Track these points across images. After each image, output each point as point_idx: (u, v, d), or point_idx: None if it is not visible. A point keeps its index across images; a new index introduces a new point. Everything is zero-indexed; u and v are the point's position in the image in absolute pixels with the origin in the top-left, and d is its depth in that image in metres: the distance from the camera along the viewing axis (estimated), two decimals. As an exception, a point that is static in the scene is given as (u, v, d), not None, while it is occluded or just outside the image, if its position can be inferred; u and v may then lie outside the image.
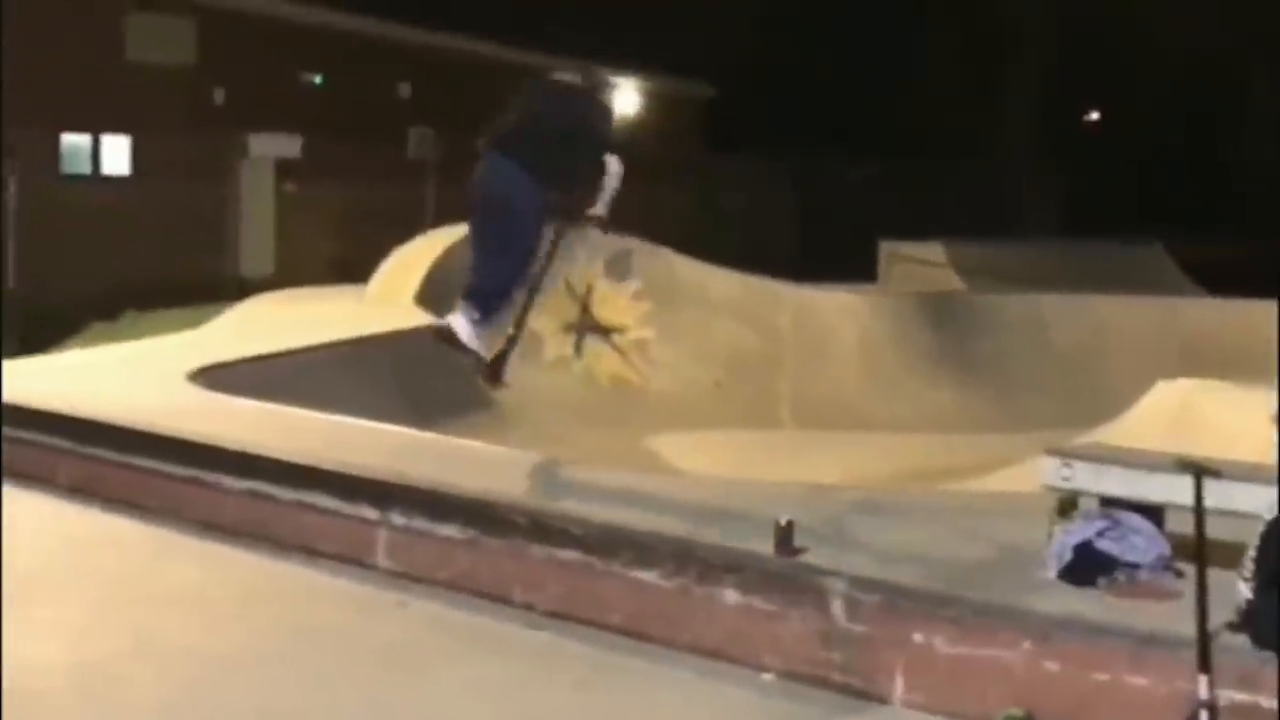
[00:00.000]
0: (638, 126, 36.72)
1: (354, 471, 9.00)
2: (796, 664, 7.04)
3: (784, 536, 7.24)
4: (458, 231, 19.56)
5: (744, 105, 39.46)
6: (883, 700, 6.76)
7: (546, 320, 18.64)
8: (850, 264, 24.17)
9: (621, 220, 21.00)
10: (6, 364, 13.76)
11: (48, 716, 6.64)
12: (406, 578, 8.49)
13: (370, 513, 8.76)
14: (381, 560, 8.66)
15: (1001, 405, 18.27)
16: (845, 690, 6.85)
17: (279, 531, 9.09)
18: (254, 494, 9.31)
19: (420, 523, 8.56)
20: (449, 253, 18.88)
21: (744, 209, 34.54)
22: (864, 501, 8.81)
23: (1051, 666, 6.38)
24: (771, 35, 40.26)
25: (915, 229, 26.30)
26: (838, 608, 6.95)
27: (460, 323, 9.39)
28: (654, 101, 37.44)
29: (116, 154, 27.60)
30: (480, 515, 8.33)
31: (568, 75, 9.92)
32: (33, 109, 24.45)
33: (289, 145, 29.27)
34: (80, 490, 10.21)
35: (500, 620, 7.92)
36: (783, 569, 7.17)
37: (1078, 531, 6.92)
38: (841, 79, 40.53)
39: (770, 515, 7.35)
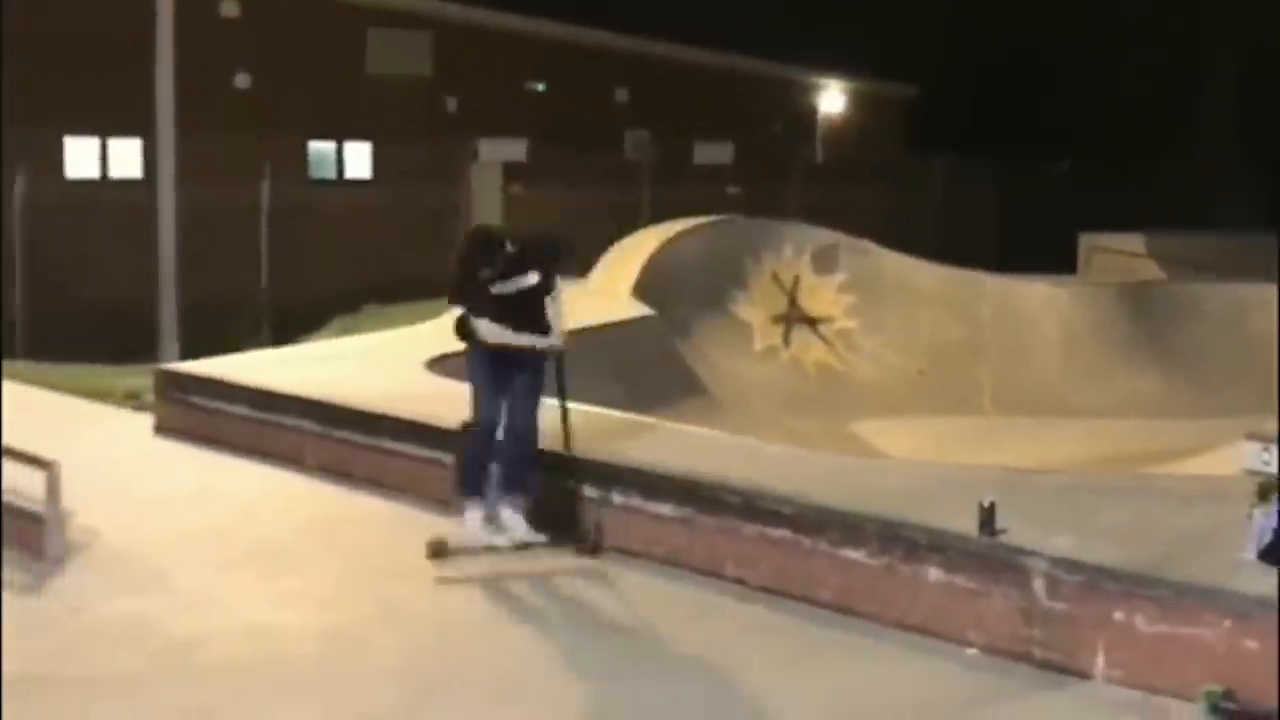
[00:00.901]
0: (842, 127, 36.57)
1: (576, 453, 9.07)
2: (999, 640, 6.96)
3: (987, 517, 7.14)
4: (674, 228, 19.72)
5: (945, 104, 38.94)
6: (1083, 675, 6.64)
7: (755, 311, 18.67)
8: (1050, 257, 23.71)
9: (827, 218, 20.94)
10: (260, 354, 14.16)
11: (300, 677, 6.82)
12: (626, 553, 8.55)
13: (591, 492, 8.83)
14: (607, 537, 8.72)
15: (1200, 392, 17.77)
16: (1046, 666, 6.75)
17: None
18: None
19: (637, 501, 8.61)
20: (664, 247, 18.98)
21: (945, 206, 34.08)
22: (1065, 485, 8.65)
23: (1251, 645, 6.21)
24: (971, 35, 39.67)
25: (1114, 223, 25.71)
26: (1039, 586, 6.84)
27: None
28: (857, 101, 37.21)
29: (359, 159, 28.23)
30: (694, 495, 8.35)
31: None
32: (283, 120, 25.14)
33: (515, 149, 29.66)
34: (327, 470, 10.46)
35: (713, 594, 7.94)
36: (985, 548, 7.08)
37: (1278, 514, 6.72)
38: (1040, 77, 39.79)
39: (973, 497, 7.25)
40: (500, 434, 8.78)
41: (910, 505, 7.68)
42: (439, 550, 8.41)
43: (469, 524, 8.68)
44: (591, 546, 8.54)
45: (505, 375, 8.85)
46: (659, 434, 10.10)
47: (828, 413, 16.84)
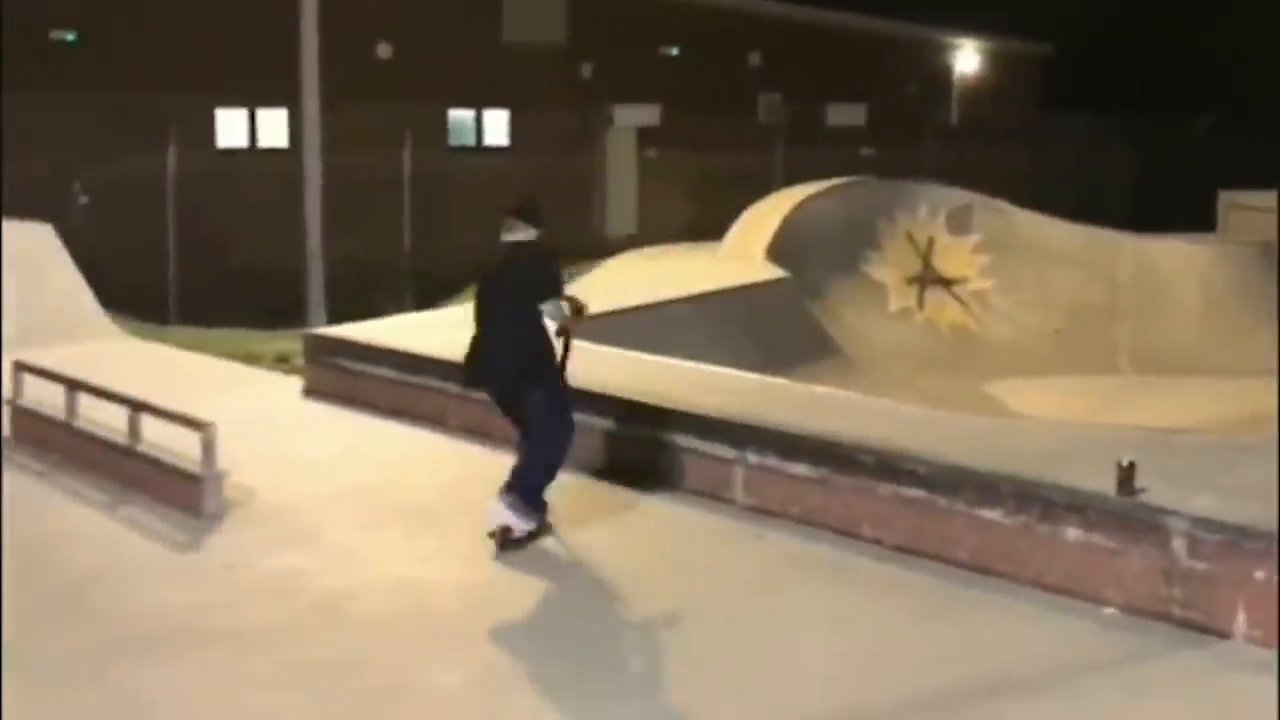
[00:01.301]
0: (977, 87, 36.07)
1: (712, 414, 9.09)
2: (1137, 599, 6.86)
3: (1125, 477, 7.04)
4: (807, 190, 19.63)
5: (1081, 62, 38.26)
6: (1223, 635, 6.53)
7: (890, 273, 18.54)
8: (1188, 216, 23.26)
9: (961, 179, 20.69)
10: (403, 318, 14.31)
11: (442, 629, 6.93)
12: (762, 512, 8.56)
13: (727, 452, 8.84)
14: (739, 496, 8.74)
15: (1342, 351, 17.36)
16: (1185, 625, 6.65)
17: (645, 468, 9.25)
18: (621, 434, 9.48)
19: (774, 461, 8.60)
20: (798, 210, 18.91)
21: (1081, 165, 33.55)
22: (1205, 444, 8.50)
23: (1394, 605, 6.08)
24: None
25: (1255, 180, 25.12)
26: (1179, 546, 6.74)
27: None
28: (992, 61, 36.68)
29: (497, 127, 28.38)
30: (830, 455, 8.32)
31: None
32: (424, 88, 25.33)
33: (649, 115, 29.65)
34: (468, 430, 10.56)
35: (849, 553, 7.92)
36: (1124, 508, 6.98)
37: None
38: (1179, 32, 38.95)
39: (1110, 457, 7.15)
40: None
41: (1047, 465, 7.59)
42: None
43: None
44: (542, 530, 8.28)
45: None
46: (794, 395, 10.07)
47: (962, 373, 16.69)
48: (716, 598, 7.36)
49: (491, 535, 8.13)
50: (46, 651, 6.56)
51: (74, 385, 10.05)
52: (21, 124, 21.58)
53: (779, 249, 17.98)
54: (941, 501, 7.72)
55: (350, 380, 11.91)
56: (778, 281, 17.27)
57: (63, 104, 21.87)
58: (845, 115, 33.46)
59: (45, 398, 10.35)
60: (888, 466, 8.01)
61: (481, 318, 8.47)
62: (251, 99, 24.82)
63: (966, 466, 7.73)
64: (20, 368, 10.68)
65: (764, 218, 18.93)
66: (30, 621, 6.97)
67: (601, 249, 22.28)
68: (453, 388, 10.85)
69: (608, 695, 6.08)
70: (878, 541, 7.96)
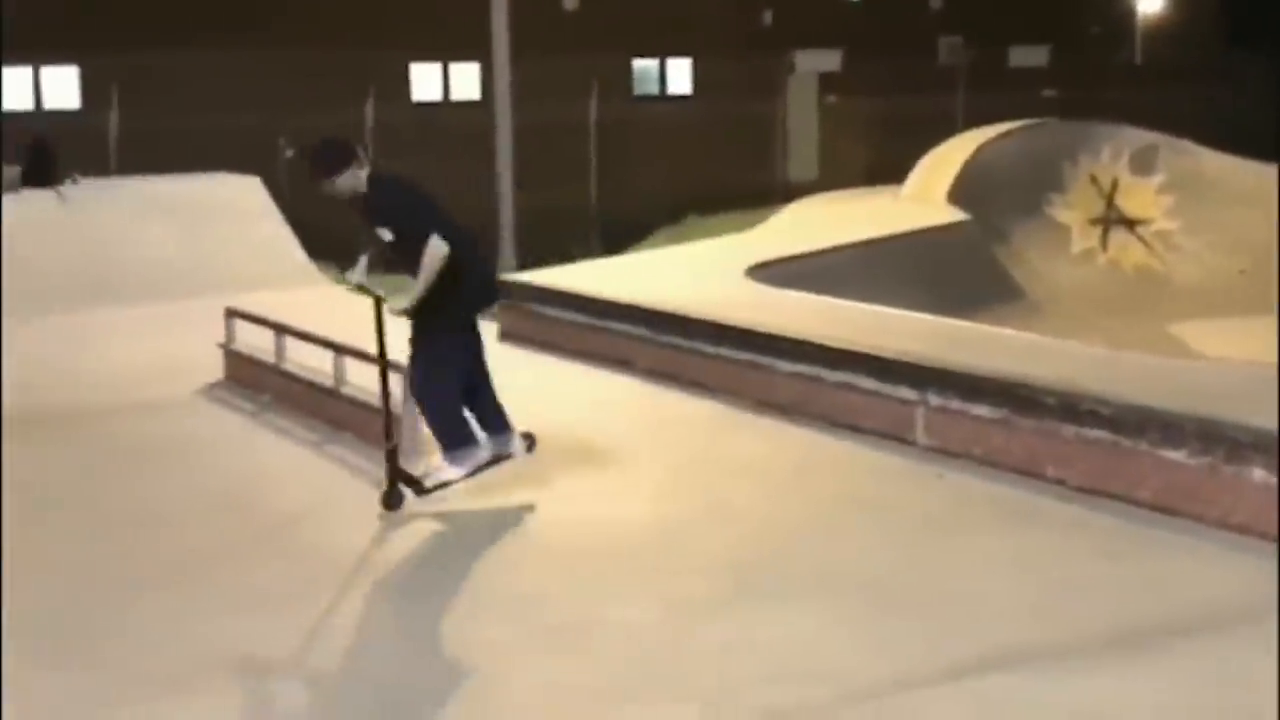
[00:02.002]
0: (1161, 26, 35.01)
1: (893, 356, 9.01)
2: (1325, 540, 6.68)
3: (1312, 417, 6.87)
4: (989, 133, 19.29)
5: (1265, 1, 36.89)
6: None
7: (1073, 214, 18.14)
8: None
9: (1145, 119, 20.10)
10: (591, 263, 14.35)
11: (633, 564, 6.97)
12: (943, 453, 8.48)
13: (909, 393, 8.76)
14: (920, 437, 8.67)
15: None
16: (1377, 567, 6.45)
17: (827, 409, 9.23)
18: (804, 376, 9.45)
19: (955, 403, 8.50)
20: (980, 152, 18.61)
21: (1266, 105, 32.39)
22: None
23: None
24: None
25: None
26: (1368, 488, 6.54)
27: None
28: (1176, 1, 35.55)
29: (680, 75, 28.33)
30: (1012, 396, 8.20)
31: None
32: (609, 39, 25.35)
33: (830, 60, 29.38)
34: (655, 373, 10.61)
35: (1032, 494, 7.81)
36: (1311, 449, 6.78)
37: None
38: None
39: (1297, 397, 6.96)
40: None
41: (1232, 405, 7.39)
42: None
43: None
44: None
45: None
46: (976, 336, 9.94)
47: (1146, 315, 16.28)
48: (899, 537, 7.31)
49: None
50: (255, 582, 6.74)
51: (282, 330, 10.30)
52: (230, 83, 22.14)
53: (961, 192, 17.73)
54: (1126, 442, 7.56)
55: (541, 324, 12.03)
56: (960, 224, 17.03)
57: (269, 63, 22.39)
58: (1027, 57, 32.76)
59: (256, 342, 10.64)
60: (1071, 408, 7.86)
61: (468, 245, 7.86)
62: (444, 54, 25.10)
63: (1151, 407, 7.55)
64: (232, 314, 10.97)
65: (945, 161, 18.66)
66: (244, 553, 7.18)
67: (783, 193, 22.15)
68: (641, 331, 10.92)
69: (796, 627, 6.08)
70: (1061, 482, 7.83)
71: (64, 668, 5.79)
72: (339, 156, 7.73)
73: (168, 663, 5.80)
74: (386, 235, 7.67)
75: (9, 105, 22.42)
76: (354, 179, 7.72)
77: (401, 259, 7.71)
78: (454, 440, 7.92)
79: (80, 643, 6.05)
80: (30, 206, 15.50)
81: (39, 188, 16.28)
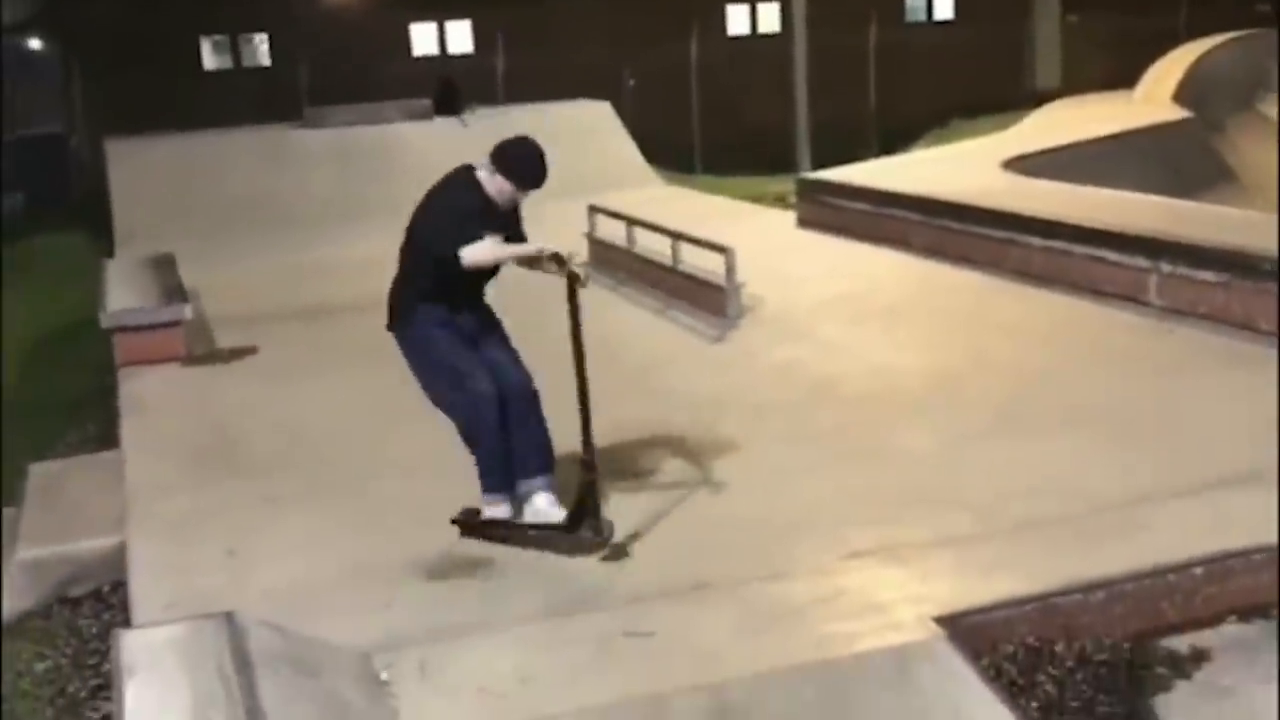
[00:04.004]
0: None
1: (1130, 231, 8.61)
2: None
3: None
4: (1209, 43, 18.18)
5: None
6: None
7: (1284, 109, 16.84)
8: None
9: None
10: (872, 162, 14.09)
11: (911, 405, 6.93)
12: (1172, 312, 8.09)
13: (1144, 262, 8.36)
14: (1153, 298, 8.28)
15: None
16: None
17: (1075, 278, 8.88)
18: (1055, 250, 9.12)
19: (1183, 269, 8.09)
20: (1201, 60, 17.71)
21: None
22: None
23: None
24: None
25: None
26: None
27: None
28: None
29: (943, 3, 27.31)
30: (1232, 262, 7.76)
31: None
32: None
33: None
34: (928, 250, 10.41)
35: (1248, 344, 7.41)
36: None
37: None
38: None
39: None
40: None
41: None
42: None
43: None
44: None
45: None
46: (1199, 213, 9.44)
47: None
48: (1137, 380, 7.06)
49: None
50: (620, 416, 6.95)
51: (631, 221, 10.48)
52: (584, 26, 22.41)
53: (1185, 93, 16.93)
54: (1333, 300, 7.11)
55: (832, 213, 11.92)
56: (1184, 121, 16.24)
57: (613, 9, 22.58)
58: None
59: (611, 231, 10.86)
60: (1283, 272, 7.42)
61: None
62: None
63: (1356, 271, 7.08)
64: (593, 210, 11.22)
65: (1171, 68, 17.83)
66: (605, 397, 7.40)
67: (1032, 100, 21.32)
68: (914, 215, 10.71)
69: (1051, 453, 5.96)
70: (1273, 334, 7.39)
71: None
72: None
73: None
74: None
75: (421, 50, 23.20)
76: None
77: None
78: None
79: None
80: (441, 130, 16.08)
81: (448, 116, 16.88)
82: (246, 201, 14.76)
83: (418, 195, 5.50)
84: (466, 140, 16.03)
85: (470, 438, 5.30)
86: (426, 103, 17.11)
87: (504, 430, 5.21)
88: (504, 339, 5.45)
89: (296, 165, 15.65)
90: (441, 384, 5.26)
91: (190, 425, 7.38)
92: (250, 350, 9.06)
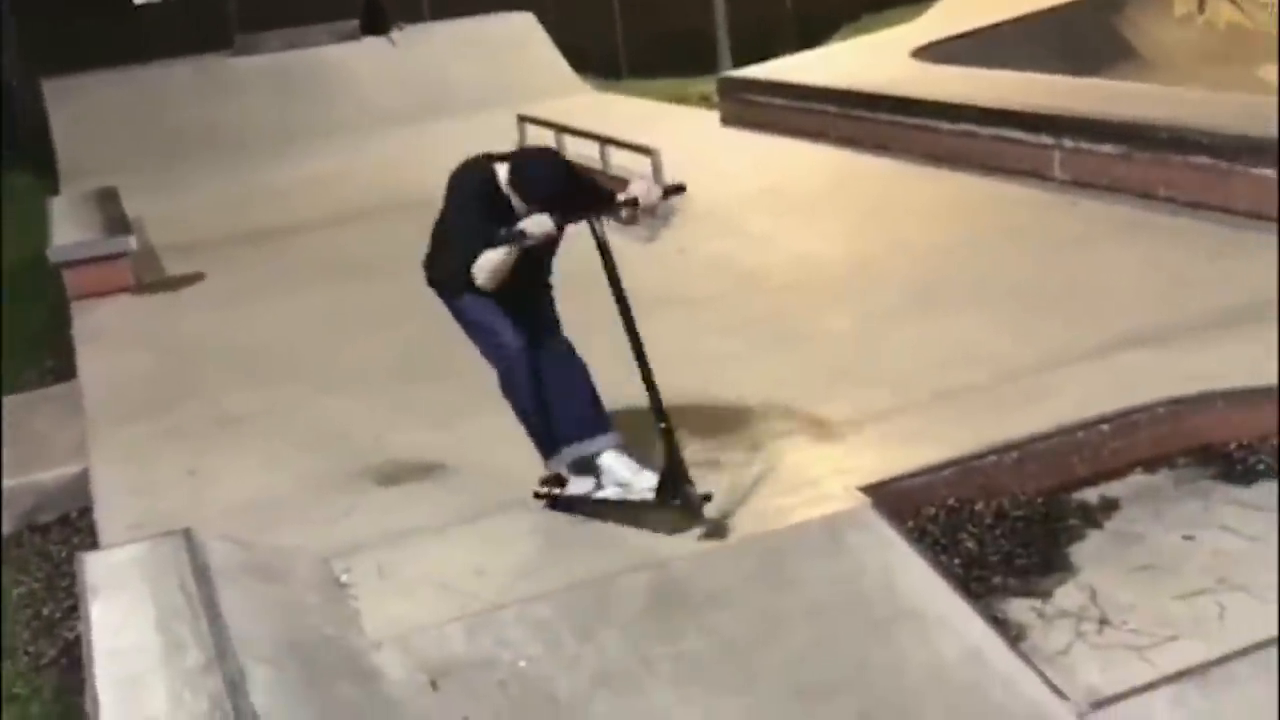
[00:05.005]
0: None
1: (1033, 110, 8.61)
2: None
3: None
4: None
5: None
6: None
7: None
8: None
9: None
10: (790, 58, 13.93)
11: (833, 290, 6.95)
12: (1075, 185, 8.13)
13: (1047, 140, 8.38)
14: (1057, 173, 8.31)
15: None
16: None
17: (983, 158, 8.88)
18: (963, 133, 9.11)
19: (1085, 144, 8.12)
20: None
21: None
22: None
23: None
24: None
25: None
26: None
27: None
28: None
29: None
30: (1131, 135, 7.80)
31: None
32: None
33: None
34: (846, 140, 10.34)
35: (1148, 212, 7.47)
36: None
37: None
38: None
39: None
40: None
41: (1314, 129, 6.92)
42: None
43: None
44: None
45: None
46: (1100, 89, 9.44)
47: (1237, 63, 15.20)
48: (1043, 253, 7.11)
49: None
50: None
51: (559, 128, 10.34)
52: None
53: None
54: (1223, 164, 7.16)
55: (754, 109, 11.81)
56: (1084, 1, 16.16)
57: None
58: None
59: (541, 140, 10.69)
60: (1178, 140, 7.46)
61: None
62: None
63: (1243, 134, 7.13)
64: (522, 119, 11.06)
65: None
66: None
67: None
68: (831, 108, 10.64)
69: (963, 327, 6.00)
70: (1171, 200, 7.46)
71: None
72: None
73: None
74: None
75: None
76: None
77: None
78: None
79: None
80: (370, 50, 15.75)
81: (375, 35, 16.50)
82: (187, 132, 14.43)
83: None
84: (395, 59, 15.78)
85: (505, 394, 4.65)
86: (354, 24, 16.70)
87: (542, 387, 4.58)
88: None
89: (232, 93, 15.29)
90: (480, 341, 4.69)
91: (144, 353, 7.28)
92: (199, 277, 8.91)
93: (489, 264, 4.41)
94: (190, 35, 18.27)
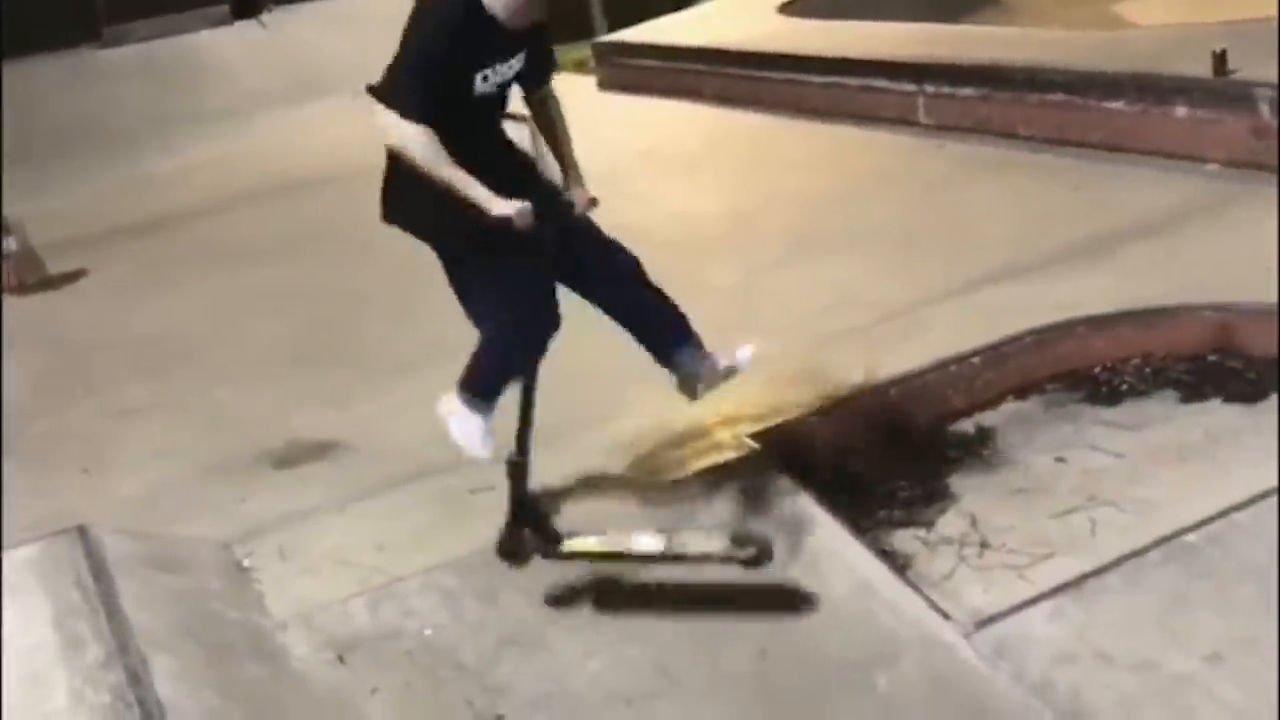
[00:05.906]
0: None
1: (897, 59, 8.73)
2: (1234, 154, 6.46)
3: (1219, 62, 6.55)
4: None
5: None
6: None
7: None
8: None
9: None
10: (663, 20, 13.90)
11: (714, 246, 6.99)
12: (941, 129, 8.25)
13: (911, 86, 8.49)
14: (922, 118, 8.43)
15: None
16: (1272, 169, 6.22)
17: (851, 108, 8.95)
18: (831, 85, 9.19)
19: (947, 89, 8.25)
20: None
21: None
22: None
23: None
24: None
25: None
26: (1264, 109, 6.31)
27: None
28: None
29: None
30: (991, 77, 7.95)
31: None
32: None
33: None
34: (719, 98, 10.35)
35: (1011, 151, 7.62)
36: (1219, 85, 6.52)
37: None
38: None
39: (1208, 48, 6.64)
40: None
41: (1158, 61, 7.13)
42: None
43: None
44: None
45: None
46: (961, 35, 9.60)
47: (1097, 1, 15.52)
48: (915, 196, 7.23)
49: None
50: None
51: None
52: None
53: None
54: (1077, 100, 7.34)
55: (631, 73, 11.77)
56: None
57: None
58: None
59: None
60: (1034, 80, 7.63)
61: None
62: None
63: (1095, 70, 7.32)
64: (370, 90, 10.85)
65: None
66: (430, 269, 7.29)
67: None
68: (703, 67, 10.66)
69: (841, 273, 6.08)
70: (1031, 138, 7.62)
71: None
72: None
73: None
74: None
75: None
76: None
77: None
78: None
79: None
80: (241, 34, 15.39)
81: (245, 18, 16.10)
82: (60, 128, 13.95)
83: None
84: (267, 41, 15.42)
85: None
86: (225, 9, 16.27)
87: None
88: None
89: (104, 85, 14.83)
90: None
91: (34, 352, 7.06)
92: (84, 273, 8.67)
93: (407, 135, 3.29)
94: (56, 30, 17.64)
